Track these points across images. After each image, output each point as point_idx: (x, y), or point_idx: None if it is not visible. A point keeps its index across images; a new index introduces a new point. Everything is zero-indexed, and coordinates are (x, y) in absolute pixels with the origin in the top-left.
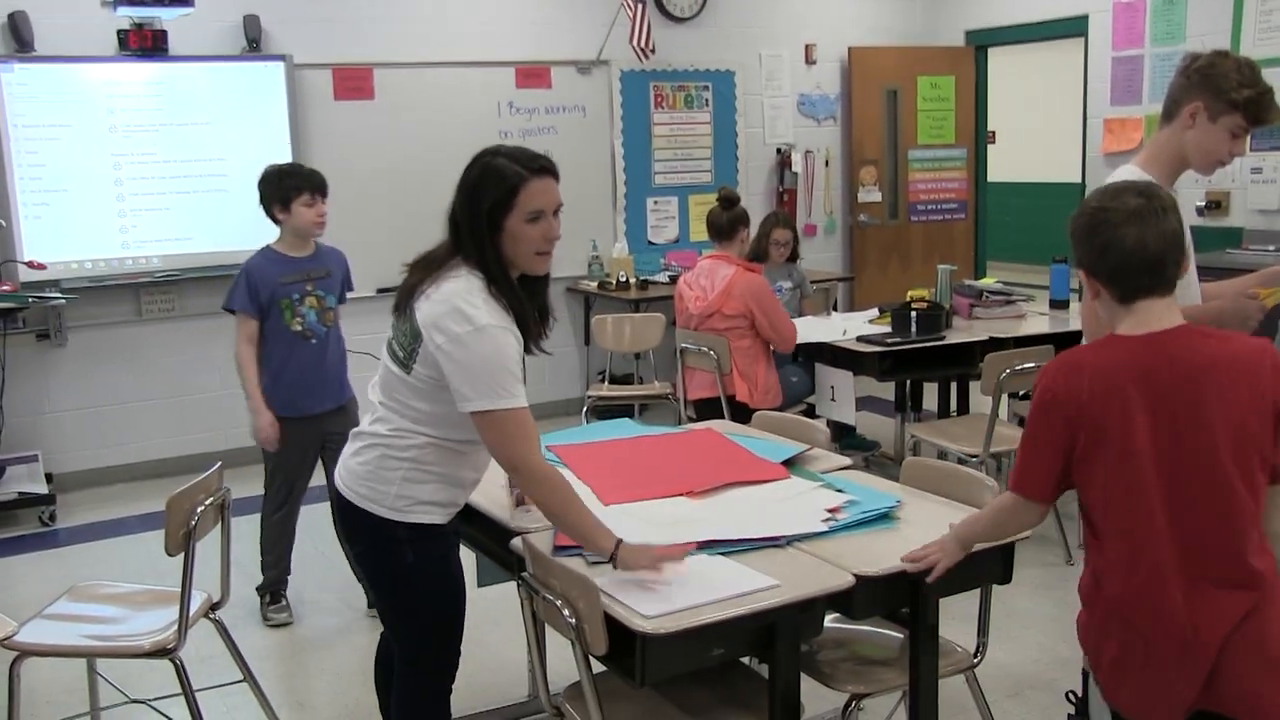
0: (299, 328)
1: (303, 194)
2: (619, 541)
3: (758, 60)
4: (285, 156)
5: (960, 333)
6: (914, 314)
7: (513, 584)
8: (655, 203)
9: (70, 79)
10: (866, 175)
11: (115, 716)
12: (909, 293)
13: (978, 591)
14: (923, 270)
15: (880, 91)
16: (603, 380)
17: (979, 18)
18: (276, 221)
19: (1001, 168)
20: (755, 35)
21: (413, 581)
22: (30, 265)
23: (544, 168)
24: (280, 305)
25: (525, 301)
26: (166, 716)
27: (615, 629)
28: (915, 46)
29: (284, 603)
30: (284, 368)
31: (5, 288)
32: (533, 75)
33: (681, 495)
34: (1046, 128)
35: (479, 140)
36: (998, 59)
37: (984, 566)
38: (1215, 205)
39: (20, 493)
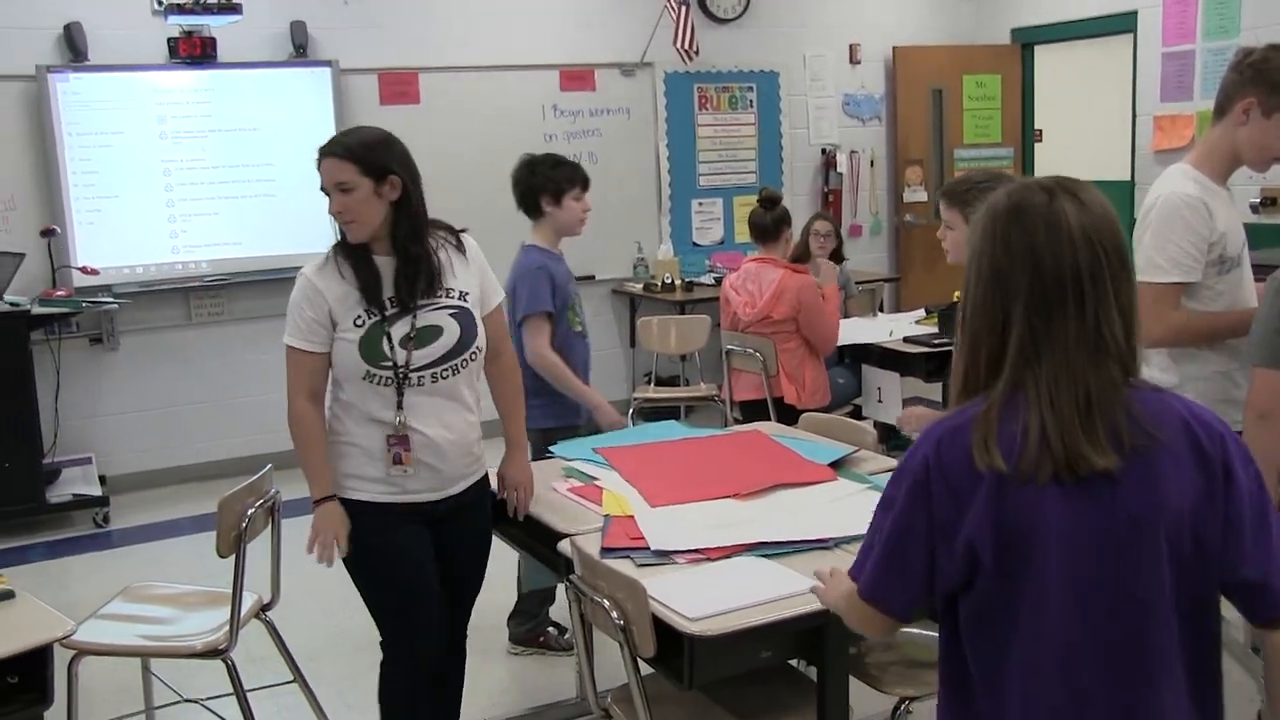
0: (579, 328)
1: (575, 187)
2: (326, 498)
3: (802, 61)
4: None
5: None
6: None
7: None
8: (700, 204)
9: (122, 87)
10: (912, 175)
11: (169, 716)
12: (955, 293)
13: None
14: None
15: (926, 91)
16: (649, 382)
17: (1025, 16)
18: (538, 214)
19: (1049, 166)
20: (799, 35)
21: (351, 559)
22: (84, 271)
23: (326, 151)
24: (570, 305)
25: (368, 265)
26: (219, 716)
27: (663, 631)
28: (961, 45)
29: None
30: (572, 371)
31: (60, 293)
32: (576, 78)
33: (729, 497)
34: (1094, 125)
35: (524, 143)
36: (1044, 56)
37: None
38: (1270, 202)
39: (75, 494)
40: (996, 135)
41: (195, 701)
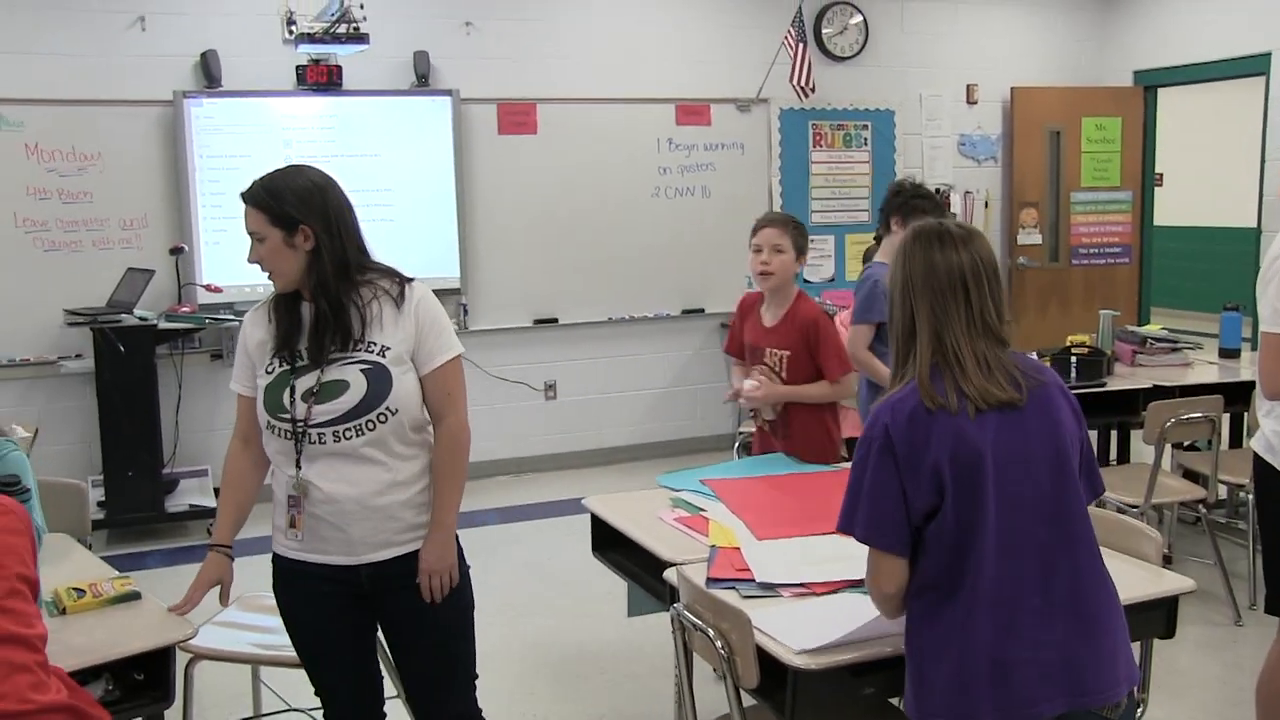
0: None
1: (925, 217)
2: (216, 547)
3: (918, 100)
4: (449, 189)
5: (1122, 380)
6: (1074, 359)
7: (661, 614)
8: (812, 241)
9: (251, 112)
10: (1027, 217)
11: None
12: (1069, 338)
13: (1137, 645)
14: (1083, 315)
15: (1043, 132)
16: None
17: (1149, 58)
18: (886, 230)
19: (1169, 211)
20: (916, 75)
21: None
22: (208, 289)
23: (244, 196)
24: None
25: (293, 312)
26: None
27: (766, 663)
28: (1081, 87)
29: None
30: None
31: (185, 309)
32: (693, 112)
33: (835, 533)
34: (1218, 170)
35: (639, 175)
36: (1166, 98)
37: (1146, 620)
38: None
39: (191, 505)
40: (1115, 179)
41: (302, 711)
